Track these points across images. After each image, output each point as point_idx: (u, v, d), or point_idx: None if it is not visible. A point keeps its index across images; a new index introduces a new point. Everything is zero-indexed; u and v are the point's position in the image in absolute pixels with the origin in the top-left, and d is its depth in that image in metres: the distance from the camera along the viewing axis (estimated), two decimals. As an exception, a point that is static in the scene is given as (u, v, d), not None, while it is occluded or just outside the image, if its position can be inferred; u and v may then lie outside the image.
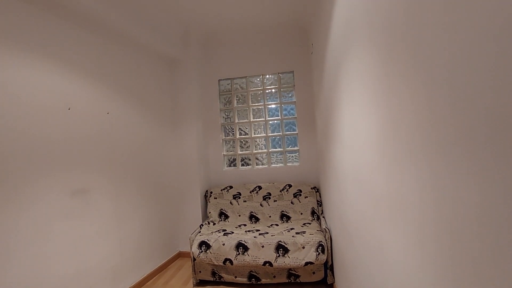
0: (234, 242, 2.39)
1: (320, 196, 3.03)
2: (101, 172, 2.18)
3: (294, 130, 3.36)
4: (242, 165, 3.47)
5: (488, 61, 0.43)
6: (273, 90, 3.41)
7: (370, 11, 0.99)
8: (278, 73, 3.37)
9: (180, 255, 3.18)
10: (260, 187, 3.16)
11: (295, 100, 3.32)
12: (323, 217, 2.79)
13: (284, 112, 3.38)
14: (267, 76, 3.43)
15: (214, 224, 2.97)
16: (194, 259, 2.46)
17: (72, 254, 1.88)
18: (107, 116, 2.30)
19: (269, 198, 3.08)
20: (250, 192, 3.14)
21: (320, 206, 2.99)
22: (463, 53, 0.49)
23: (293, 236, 2.41)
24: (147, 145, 2.79)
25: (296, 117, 3.31)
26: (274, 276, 2.36)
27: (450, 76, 0.53)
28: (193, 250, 2.44)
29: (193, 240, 2.52)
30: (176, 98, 3.27)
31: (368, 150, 1.11)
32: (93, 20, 2.10)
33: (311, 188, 3.04)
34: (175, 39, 3.07)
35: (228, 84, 3.54)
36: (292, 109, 3.38)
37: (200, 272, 2.49)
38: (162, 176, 2.99)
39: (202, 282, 2.53)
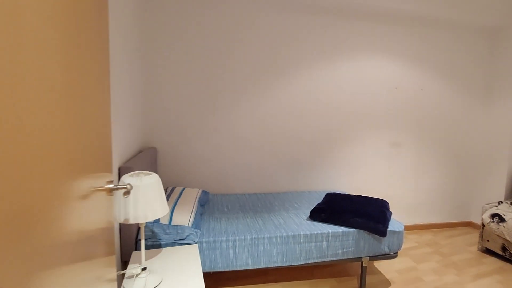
0: (541, 228, 2.21)
1: None
2: (410, 133, 3.02)
3: None
4: None
5: None
6: None
7: None
8: None
9: (470, 224, 3.31)
10: None
11: None
12: None
13: None
14: None
15: (519, 207, 2.74)
16: (483, 226, 2.62)
17: (385, 183, 3.00)
18: (421, 92, 2.99)
19: None
20: None
21: None
22: None
23: None
24: (453, 116, 3.13)
25: None
26: None
27: None
28: (483, 217, 2.60)
29: (485, 210, 2.65)
30: (494, 72, 3.11)
31: None
32: (411, 18, 2.80)
33: None
34: (495, 4, 2.83)
35: None
36: None
37: (488, 241, 2.61)
38: (465, 147, 3.21)
39: (488, 251, 2.64)
